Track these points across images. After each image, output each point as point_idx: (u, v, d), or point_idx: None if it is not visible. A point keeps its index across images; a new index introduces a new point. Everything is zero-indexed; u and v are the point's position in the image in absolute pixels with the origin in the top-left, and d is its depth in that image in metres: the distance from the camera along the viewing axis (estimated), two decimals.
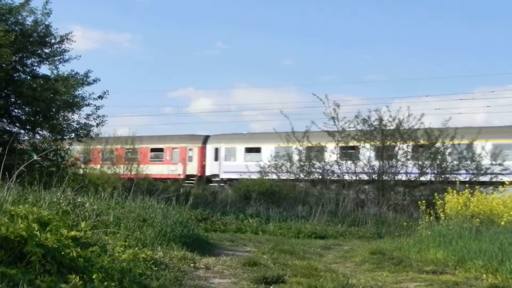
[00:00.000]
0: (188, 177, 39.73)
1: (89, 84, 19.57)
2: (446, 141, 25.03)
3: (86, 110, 19.91)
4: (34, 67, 19.68)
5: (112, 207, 11.62)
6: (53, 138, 19.40)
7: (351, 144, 26.47)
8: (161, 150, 42.03)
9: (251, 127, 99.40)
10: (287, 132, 27.15)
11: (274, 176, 27.70)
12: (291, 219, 19.80)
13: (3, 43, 16.20)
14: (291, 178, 27.56)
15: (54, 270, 5.43)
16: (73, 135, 20.04)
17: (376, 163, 25.71)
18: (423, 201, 16.62)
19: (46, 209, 7.92)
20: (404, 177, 25.27)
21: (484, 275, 9.61)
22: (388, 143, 25.53)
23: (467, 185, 17.00)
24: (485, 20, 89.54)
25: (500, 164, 25.29)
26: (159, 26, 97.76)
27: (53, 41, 19.41)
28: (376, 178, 25.62)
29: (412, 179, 25.24)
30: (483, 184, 20.93)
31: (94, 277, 5.78)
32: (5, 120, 19.14)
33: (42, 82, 18.90)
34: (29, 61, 19.46)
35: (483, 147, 26.30)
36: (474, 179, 24.12)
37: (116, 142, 38.63)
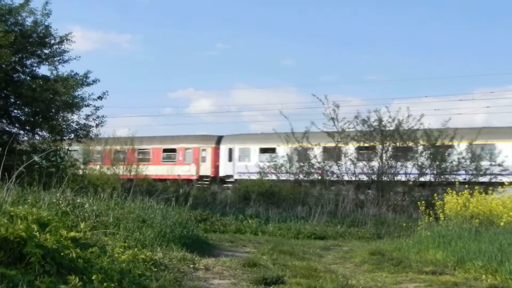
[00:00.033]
0: (202, 178, 39.16)
1: (88, 84, 19.59)
2: (445, 142, 25.03)
3: (85, 110, 19.95)
4: (34, 68, 19.71)
5: (112, 207, 11.62)
6: (52, 138, 19.39)
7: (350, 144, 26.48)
8: (173, 150, 41.38)
9: (251, 127, 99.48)
10: (304, 132, 26.75)
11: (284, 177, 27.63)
12: (290, 219, 19.81)
13: (2, 43, 16.20)
14: (291, 178, 27.51)
15: (53, 271, 5.43)
16: (72, 135, 20.03)
17: (375, 164, 25.71)
18: (423, 202, 16.63)
19: (46, 210, 7.92)
20: (403, 178, 25.29)
21: (484, 276, 9.61)
22: (387, 144, 25.54)
23: (466, 185, 17.01)
24: (484, 20, 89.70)
25: (499, 165, 25.30)
26: (159, 26, 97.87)
27: (52, 41, 19.42)
28: (376, 178, 25.63)
29: (412, 180, 25.24)
30: (482, 184, 20.90)
31: (93, 278, 5.78)
32: (4, 121, 19.14)
33: (41, 82, 18.90)
34: (28, 62, 19.47)
35: (483, 148, 26.31)
36: (474, 179, 24.13)
37: (128, 142, 38.63)
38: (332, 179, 26.57)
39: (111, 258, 7.23)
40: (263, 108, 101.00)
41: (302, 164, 27.45)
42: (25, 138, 20.00)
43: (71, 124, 19.85)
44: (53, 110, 19.08)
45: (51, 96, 18.41)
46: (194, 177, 38.83)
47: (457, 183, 19.22)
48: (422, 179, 25.23)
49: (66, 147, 20.79)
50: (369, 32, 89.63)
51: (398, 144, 25.49)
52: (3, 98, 18.75)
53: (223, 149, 39.55)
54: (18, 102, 19.01)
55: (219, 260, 10.46)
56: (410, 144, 25.43)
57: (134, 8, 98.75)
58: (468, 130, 27.18)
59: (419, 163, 25.26)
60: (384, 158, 25.63)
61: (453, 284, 9.35)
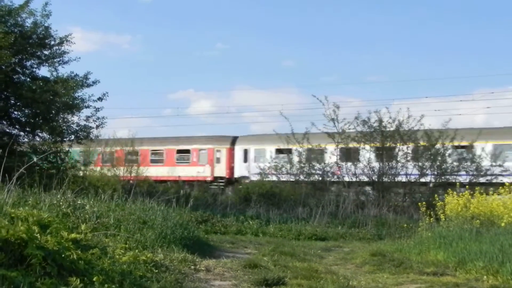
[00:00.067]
0: (216, 179, 38.68)
1: (88, 86, 19.57)
2: (446, 143, 25.04)
3: (85, 112, 19.93)
4: (34, 69, 19.70)
5: (112, 209, 11.60)
6: (53, 140, 19.38)
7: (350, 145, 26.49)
8: (187, 151, 40.92)
9: (252, 128, 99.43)
10: (321, 132, 26.66)
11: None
12: (291, 221, 19.82)
13: (2, 45, 16.19)
14: (291, 180, 27.49)
15: (54, 273, 5.42)
16: (72, 137, 20.01)
17: (376, 165, 25.72)
18: (423, 203, 16.63)
19: (46, 212, 7.90)
20: (404, 179, 25.29)
21: (485, 277, 9.61)
22: (388, 145, 25.55)
23: (467, 186, 17.00)
24: (484, 20, 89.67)
25: (500, 165, 25.32)
26: (158, 27, 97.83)
27: (52, 42, 19.41)
28: (376, 179, 25.64)
29: (412, 181, 25.25)
30: (483, 185, 20.90)
31: (94, 279, 5.77)
32: (4, 122, 19.13)
33: (41, 84, 18.89)
34: (28, 63, 19.46)
35: (483, 148, 26.31)
36: (474, 180, 24.14)
37: (140, 143, 38.54)
38: (332, 180, 26.62)
39: (112, 259, 7.22)
40: (264, 109, 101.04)
41: (302, 165, 27.45)
42: (26, 140, 20.00)
43: (72, 125, 19.86)
44: (53, 112, 19.06)
45: (51, 97, 18.40)
46: (209, 178, 38.42)
47: (457, 183, 19.22)
48: (422, 179, 25.25)
49: (71, 148, 20.77)
50: (369, 32, 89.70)
51: (398, 144, 25.50)
52: (3, 100, 18.74)
53: (238, 150, 38.90)
54: (18, 103, 19.00)
55: (220, 262, 10.45)
56: (411, 144, 25.43)
57: (133, 9, 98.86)
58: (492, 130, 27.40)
59: (420, 164, 25.26)
60: (385, 159, 25.64)
61: (454, 285, 9.35)
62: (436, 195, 17.39)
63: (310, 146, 27.29)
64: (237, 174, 38.56)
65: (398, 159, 25.43)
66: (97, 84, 19.78)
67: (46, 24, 19.09)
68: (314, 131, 26.72)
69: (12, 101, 19.09)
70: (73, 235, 6.52)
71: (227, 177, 38.65)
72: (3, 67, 17.04)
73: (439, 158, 25.24)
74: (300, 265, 10.67)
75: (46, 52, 19.47)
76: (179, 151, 40.80)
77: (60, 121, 19.57)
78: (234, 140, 39.71)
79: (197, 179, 37.72)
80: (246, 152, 38.23)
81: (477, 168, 25.16)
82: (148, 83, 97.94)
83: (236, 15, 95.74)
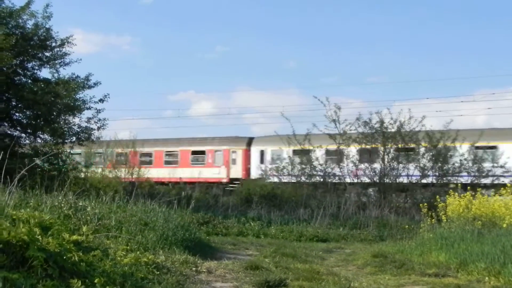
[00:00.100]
0: (232, 180, 37.78)
1: (89, 87, 19.58)
2: (447, 143, 25.03)
3: (87, 113, 19.93)
4: (35, 71, 19.71)
5: (114, 211, 11.61)
6: (54, 141, 19.38)
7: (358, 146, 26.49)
8: (202, 152, 40.18)
9: (252, 130, 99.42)
10: (339, 133, 26.52)
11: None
12: (292, 222, 19.82)
13: (3, 46, 16.20)
14: (293, 181, 27.43)
15: (56, 275, 5.42)
16: (74, 138, 20.01)
17: (377, 166, 25.71)
18: (425, 204, 16.62)
19: (48, 213, 7.89)
20: (405, 180, 25.28)
21: (487, 278, 9.60)
22: (389, 146, 25.54)
23: (468, 187, 16.99)
24: (485, 21, 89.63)
25: (501, 166, 25.30)
26: (159, 29, 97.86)
27: (53, 44, 19.42)
28: (378, 180, 25.64)
29: (414, 182, 25.23)
30: (485, 186, 20.89)
31: (96, 281, 5.77)
32: (6, 124, 19.14)
33: (43, 85, 18.90)
34: (29, 65, 19.47)
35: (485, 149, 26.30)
36: (476, 181, 24.13)
37: (154, 144, 38.46)
38: (334, 181, 26.58)
39: (113, 261, 7.22)
40: (264, 110, 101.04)
41: (304, 167, 27.42)
42: (27, 141, 20.01)
43: (73, 127, 19.85)
44: (54, 113, 19.07)
45: (52, 99, 18.40)
46: (224, 180, 37.74)
47: (459, 184, 19.20)
48: (424, 181, 25.23)
49: (68, 150, 20.77)
50: (369, 32, 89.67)
51: (400, 145, 25.49)
52: (4, 101, 18.75)
53: (254, 151, 37.94)
54: (19, 105, 19.01)
55: (221, 263, 10.45)
56: (412, 145, 25.42)
57: (134, 11, 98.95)
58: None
59: (421, 165, 25.25)
60: (386, 160, 25.63)
61: (456, 286, 9.34)
62: (437, 196, 17.37)
63: (329, 147, 27.02)
64: (253, 175, 37.18)
65: (400, 160, 25.43)
66: (98, 85, 19.81)
67: (47, 26, 19.12)
68: (315, 132, 26.73)
69: (14, 103, 19.10)
70: (74, 237, 6.52)
71: (243, 178, 37.40)
72: (5, 69, 17.04)
73: (441, 159, 25.23)
74: (302, 266, 10.66)
75: (47, 54, 19.49)
76: (194, 152, 40.27)
77: (61, 122, 19.57)
78: (250, 141, 38.95)
79: (212, 180, 37.14)
80: (262, 153, 37.20)
81: (479, 169, 25.14)
82: (149, 84, 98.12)
83: (236, 17, 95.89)
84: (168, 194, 21.51)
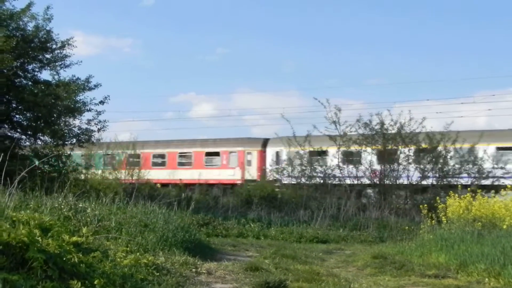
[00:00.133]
0: (247, 182, 35.78)
1: (90, 89, 19.57)
2: (447, 145, 25.03)
3: (87, 115, 19.92)
4: (36, 73, 19.69)
5: (114, 212, 11.62)
6: (54, 143, 19.38)
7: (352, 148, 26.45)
8: (217, 154, 39.50)
9: (252, 131, 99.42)
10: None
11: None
12: (292, 223, 19.82)
13: (4, 48, 16.22)
14: (293, 182, 27.37)
15: (55, 276, 5.42)
16: (74, 140, 20.02)
17: (377, 167, 25.72)
18: (425, 205, 16.62)
19: (48, 215, 7.90)
20: (406, 181, 25.27)
21: (487, 279, 9.61)
22: (389, 147, 25.54)
23: (469, 188, 16.99)
24: (485, 21, 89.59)
25: (502, 168, 25.30)
26: (159, 30, 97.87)
27: (54, 46, 19.41)
28: (378, 182, 25.64)
29: (414, 183, 25.23)
30: (485, 188, 20.86)
31: (95, 282, 5.78)
32: (6, 126, 19.15)
33: (43, 87, 18.90)
34: (30, 67, 19.46)
35: (485, 151, 26.27)
36: (476, 182, 24.13)
37: (167, 146, 38.41)
38: (334, 182, 26.56)
39: (113, 262, 7.23)
40: (265, 112, 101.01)
41: (304, 168, 27.40)
42: (27, 143, 20.00)
43: (73, 129, 19.82)
44: (55, 115, 19.07)
45: (52, 101, 18.40)
46: (239, 182, 36.38)
47: (459, 186, 19.19)
48: (424, 182, 25.22)
49: (68, 152, 20.77)
50: (369, 33, 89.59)
51: (400, 147, 25.50)
52: (5, 103, 18.75)
53: (270, 152, 36.73)
54: (20, 107, 19.02)
55: (221, 264, 10.46)
56: (413, 147, 25.41)
57: (134, 13, 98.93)
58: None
59: (421, 166, 25.25)
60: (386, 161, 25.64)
61: (455, 287, 9.36)
62: (437, 198, 17.37)
63: (346, 148, 26.78)
64: (269, 177, 35.65)
65: (400, 161, 25.42)
66: (98, 87, 19.79)
67: (47, 28, 19.11)
68: (315, 133, 26.73)
69: (14, 105, 19.11)
70: (74, 238, 6.53)
71: (258, 180, 36.10)
72: (5, 71, 17.05)
73: (441, 161, 25.23)
74: (302, 267, 10.67)
75: (47, 56, 19.49)
76: (208, 154, 39.66)
77: (61, 124, 19.56)
78: (265, 142, 38.02)
79: (227, 182, 36.37)
80: (278, 154, 35.72)
81: (479, 170, 25.15)
82: (150, 86, 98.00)
83: (237, 18, 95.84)
84: (168, 195, 21.49)
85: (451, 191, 17.27)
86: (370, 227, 19.76)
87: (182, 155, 40.12)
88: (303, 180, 27.10)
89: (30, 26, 18.93)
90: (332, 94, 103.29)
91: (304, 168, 27.29)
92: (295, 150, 27.98)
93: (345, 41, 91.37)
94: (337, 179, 26.55)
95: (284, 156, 33.47)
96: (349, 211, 22.15)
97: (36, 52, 19.02)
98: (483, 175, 24.99)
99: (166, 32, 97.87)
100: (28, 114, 19.20)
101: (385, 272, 10.77)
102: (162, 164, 39.49)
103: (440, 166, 25.23)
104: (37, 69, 19.66)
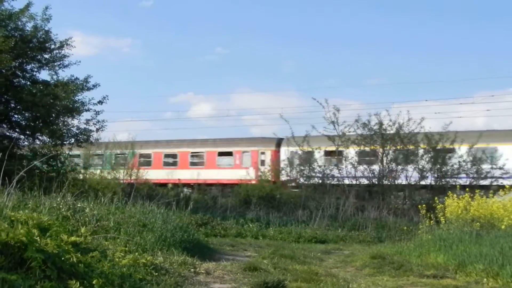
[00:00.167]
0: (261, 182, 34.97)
1: (88, 89, 19.56)
2: (446, 145, 25.04)
3: (86, 115, 19.97)
4: (34, 73, 19.68)
5: (112, 212, 11.61)
6: (53, 143, 19.37)
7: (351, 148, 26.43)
8: (230, 154, 38.82)
9: (251, 131, 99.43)
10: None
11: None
12: (291, 223, 19.82)
13: (3, 48, 16.21)
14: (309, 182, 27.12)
15: (54, 276, 5.42)
16: (73, 140, 20.01)
17: (376, 167, 25.73)
18: (423, 205, 16.64)
19: (46, 215, 7.91)
20: (404, 181, 25.27)
21: (485, 279, 9.62)
22: (388, 147, 25.55)
23: (467, 189, 17.01)
24: (485, 22, 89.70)
25: (500, 168, 25.31)
26: (158, 31, 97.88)
27: (53, 46, 19.40)
28: (376, 182, 25.65)
29: (412, 183, 25.24)
30: (483, 188, 20.86)
31: (94, 282, 5.78)
32: (5, 126, 19.13)
33: (42, 87, 18.89)
34: (29, 67, 19.44)
35: (484, 151, 26.29)
36: (474, 183, 24.14)
37: (179, 145, 38.23)
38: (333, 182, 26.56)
39: (111, 262, 7.22)
40: (264, 112, 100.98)
41: (302, 168, 27.40)
42: (26, 143, 19.98)
43: (72, 128, 19.81)
44: (53, 115, 19.06)
45: (51, 101, 18.40)
46: (253, 182, 34.73)
47: (458, 186, 19.20)
48: (423, 182, 25.23)
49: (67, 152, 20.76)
50: (369, 33, 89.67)
51: (398, 147, 25.50)
52: (3, 103, 18.74)
53: (284, 151, 35.59)
54: (18, 107, 19.00)
55: (220, 264, 10.46)
56: (411, 147, 25.41)
57: (133, 13, 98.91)
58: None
59: (420, 167, 25.26)
60: (384, 161, 25.65)
61: (454, 287, 9.36)
62: (436, 198, 17.39)
63: (362, 148, 26.61)
64: (283, 177, 34.83)
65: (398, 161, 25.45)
66: (97, 87, 19.78)
67: (46, 28, 19.10)
68: (314, 133, 26.74)
69: (12, 105, 19.09)
70: (73, 238, 6.53)
71: (272, 180, 35.19)
72: (4, 71, 17.04)
73: (439, 161, 25.24)
74: (300, 268, 10.67)
75: (46, 56, 19.48)
76: (220, 154, 39.10)
77: (60, 124, 19.55)
78: (279, 142, 37.02)
79: (241, 182, 34.61)
80: (292, 154, 34.00)
81: (477, 170, 25.17)
82: (148, 86, 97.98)
83: (236, 18, 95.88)
84: (166, 195, 21.48)
85: (449, 191, 17.28)
86: (368, 227, 19.77)
87: (194, 155, 39.69)
88: (316, 180, 26.81)
89: (29, 26, 18.94)
90: (331, 94, 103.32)
91: (302, 168, 27.30)
92: (309, 150, 27.72)
93: (345, 41, 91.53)
94: (335, 179, 26.58)
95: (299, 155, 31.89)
96: (348, 211, 22.15)
97: (34, 52, 19.01)
98: (482, 175, 25.00)
99: (165, 32, 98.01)
100: (26, 114, 19.19)
101: (384, 272, 10.77)
102: (174, 164, 39.17)
103: (438, 166, 25.24)
104: (35, 69, 19.65)
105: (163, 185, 32.72)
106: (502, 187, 16.98)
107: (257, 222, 19.86)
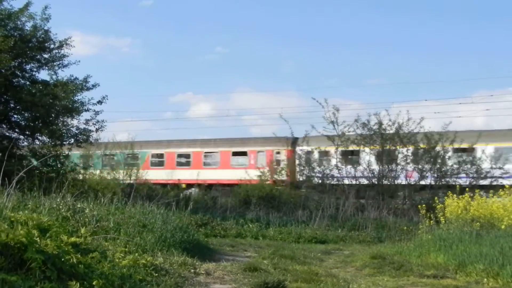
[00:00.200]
0: (276, 183, 33.69)
1: (88, 89, 19.53)
2: (446, 145, 25.04)
3: (85, 115, 19.94)
4: (33, 73, 19.66)
5: (112, 212, 11.60)
6: (52, 143, 19.36)
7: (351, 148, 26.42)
8: (244, 153, 38.06)
9: (251, 131, 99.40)
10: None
11: None
12: (291, 223, 19.80)
13: (2, 48, 16.19)
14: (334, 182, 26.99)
15: (54, 277, 5.41)
16: (72, 140, 20.00)
17: (376, 167, 25.72)
18: (423, 205, 16.63)
19: (46, 215, 7.90)
20: (404, 181, 25.26)
21: (485, 279, 9.62)
22: (387, 147, 25.54)
23: (467, 188, 17.00)
24: (484, 21, 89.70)
25: (500, 168, 25.31)
26: (158, 30, 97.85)
27: (52, 46, 19.38)
28: (376, 182, 25.64)
29: (412, 183, 25.22)
30: (483, 188, 20.85)
31: (94, 283, 5.77)
32: (4, 126, 19.11)
33: (41, 87, 18.87)
34: (28, 67, 19.43)
35: (483, 151, 26.28)
36: (474, 182, 24.14)
37: (191, 145, 38.05)
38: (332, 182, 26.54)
39: (111, 263, 7.22)
40: (263, 112, 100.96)
41: (302, 168, 27.40)
42: (25, 143, 19.97)
43: (71, 128, 19.78)
44: (53, 115, 19.04)
45: (50, 101, 18.38)
46: (268, 182, 33.61)
47: (457, 186, 19.20)
48: (422, 182, 25.22)
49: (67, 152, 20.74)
50: (369, 33, 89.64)
51: (398, 147, 25.49)
52: (2, 103, 18.73)
53: (299, 151, 33.60)
54: (17, 107, 18.99)
55: (220, 265, 10.46)
56: (411, 147, 25.41)
57: (133, 13, 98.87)
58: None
59: (420, 167, 25.26)
60: (384, 161, 25.64)
61: (454, 287, 9.35)
62: (436, 198, 17.38)
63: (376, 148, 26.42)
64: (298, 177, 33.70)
65: (398, 161, 25.42)
66: (96, 87, 19.74)
67: (45, 28, 19.08)
68: (314, 133, 26.75)
69: (12, 105, 19.08)
70: (72, 239, 6.52)
71: (288, 180, 34.38)
72: (3, 70, 17.03)
73: (439, 161, 25.24)
74: (300, 268, 10.67)
75: (45, 56, 19.46)
76: (234, 153, 38.39)
77: (59, 124, 19.53)
78: (294, 141, 35.53)
79: (255, 182, 33.46)
80: (308, 154, 32.81)
81: (477, 170, 25.17)
82: (148, 86, 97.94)
83: (236, 18, 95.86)
84: (166, 196, 21.46)
85: (449, 191, 17.27)
86: (368, 227, 19.75)
87: (207, 155, 39.20)
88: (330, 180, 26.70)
89: (28, 26, 18.91)
90: (331, 94, 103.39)
91: (302, 168, 27.31)
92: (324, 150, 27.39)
93: (345, 41, 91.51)
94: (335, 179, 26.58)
95: (315, 156, 31.96)
96: (348, 211, 22.14)
97: (34, 52, 18.99)
98: (482, 175, 25.00)
99: (165, 31, 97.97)
100: (26, 114, 19.17)
101: (384, 273, 10.77)
102: (187, 164, 38.77)
103: (438, 166, 25.24)
104: (35, 69, 19.63)
105: (176, 185, 32.57)
106: (502, 187, 16.98)
107: (257, 222, 19.83)
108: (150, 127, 78.86)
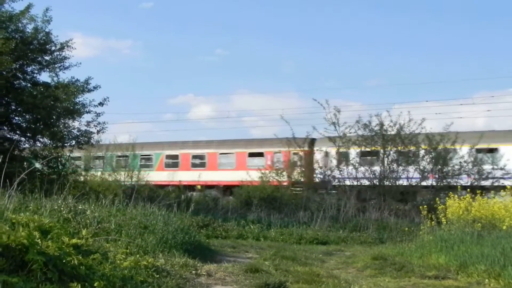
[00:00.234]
0: (293, 184, 32.95)
1: (89, 91, 19.57)
2: (447, 146, 25.02)
3: (86, 117, 19.91)
4: (35, 75, 19.70)
5: (113, 214, 11.62)
6: (53, 145, 19.38)
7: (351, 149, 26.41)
8: (260, 154, 37.27)
9: (252, 133, 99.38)
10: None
11: None
12: (292, 225, 19.78)
13: (3, 50, 16.21)
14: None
15: (55, 278, 5.42)
16: (73, 142, 20.02)
17: (377, 168, 25.70)
18: (425, 206, 16.61)
19: (47, 217, 7.90)
20: (405, 182, 25.25)
21: (487, 280, 9.61)
22: (389, 148, 25.53)
23: (468, 189, 16.98)
24: (484, 22, 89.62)
25: (501, 169, 25.29)
26: (159, 32, 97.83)
27: (53, 48, 19.43)
28: (378, 183, 25.62)
29: (414, 184, 25.21)
30: (484, 189, 20.82)
31: (95, 285, 5.77)
32: (5, 128, 19.14)
33: (42, 89, 18.90)
34: (29, 69, 19.47)
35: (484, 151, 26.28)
36: (476, 183, 24.12)
37: (207, 146, 37.92)
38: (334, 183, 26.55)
39: (113, 264, 7.22)
40: (264, 113, 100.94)
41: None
42: (26, 145, 20.00)
43: (72, 130, 19.84)
44: (54, 117, 19.07)
45: (52, 102, 18.40)
46: (285, 184, 32.78)
47: (459, 187, 19.19)
48: (424, 183, 25.21)
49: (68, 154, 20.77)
50: (369, 34, 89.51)
51: (399, 148, 25.48)
52: (4, 105, 18.76)
53: (318, 152, 33.48)
54: (19, 109, 19.02)
55: (221, 266, 10.45)
56: (412, 148, 25.40)
57: (134, 14, 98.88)
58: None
59: (421, 167, 25.25)
60: (386, 162, 25.63)
61: None
62: (437, 199, 17.37)
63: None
64: (316, 179, 32.70)
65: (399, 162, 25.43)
66: (97, 89, 19.78)
67: (46, 30, 19.13)
68: (315, 135, 26.75)
69: (13, 107, 19.11)
70: (74, 241, 6.51)
71: (305, 182, 32.97)
72: (4, 72, 17.05)
73: (440, 162, 25.22)
74: (302, 269, 10.67)
75: (46, 58, 19.49)
76: (251, 154, 37.73)
77: (61, 126, 19.57)
78: (312, 142, 34.63)
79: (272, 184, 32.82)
80: (327, 155, 32.32)
81: (479, 171, 25.15)
82: (148, 88, 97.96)
83: (236, 19, 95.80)
84: (167, 197, 21.46)
85: (450, 192, 17.26)
86: (370, 228, 19.75)
87: (223, 156, 38.58)
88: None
89: (29, 28, 18.96)
90: (331, 95, 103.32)
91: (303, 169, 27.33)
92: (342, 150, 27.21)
93: (345, 41, 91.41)
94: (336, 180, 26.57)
95: (333, 156, 30.73)
96: (349, 212, 22.14)
97: (35, 54, 19.03)
98: (483, 176, 24.98)
99: (165, 33, 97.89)
100: (27, 116, 19.19)
101: (385, 273, 10.76)
102: (202, 165, 38.22)
103: (439, 167, 25.22)
104: (36, 71, 19.68)
105: (191, 187, 32.31)
106: (504, 187, 16.96)
107: (258, 223, 19.83)
108: (151, 128, 78.93)
